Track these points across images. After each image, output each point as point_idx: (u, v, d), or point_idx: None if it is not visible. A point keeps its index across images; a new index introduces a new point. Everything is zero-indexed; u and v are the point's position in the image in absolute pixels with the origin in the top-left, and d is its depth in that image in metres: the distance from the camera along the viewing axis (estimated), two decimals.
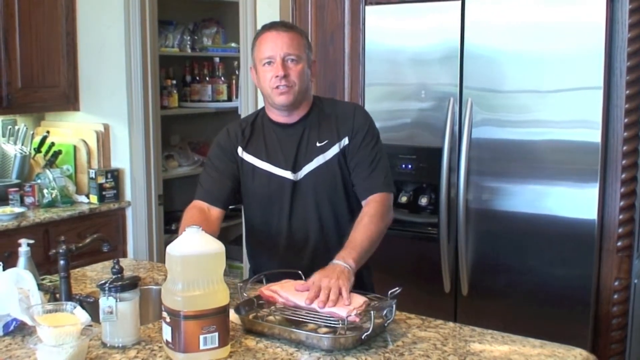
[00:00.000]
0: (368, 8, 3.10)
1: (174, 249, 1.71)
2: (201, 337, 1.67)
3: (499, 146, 2.81)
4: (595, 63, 2.59)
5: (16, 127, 4.03)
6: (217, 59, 5.12)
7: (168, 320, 1.69)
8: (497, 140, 2.81)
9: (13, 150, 3.97)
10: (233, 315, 1.84)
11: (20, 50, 3.85)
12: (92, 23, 4.10)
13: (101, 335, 1.81)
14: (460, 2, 2.83)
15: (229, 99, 5.04)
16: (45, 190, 3.85)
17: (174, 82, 4.86)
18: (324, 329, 1.81)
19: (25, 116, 4.19)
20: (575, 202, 2.67)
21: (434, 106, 2.93)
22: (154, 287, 2.37)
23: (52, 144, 4.08)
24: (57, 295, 2.04)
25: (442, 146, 2.87)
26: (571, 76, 2.65)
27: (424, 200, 2.97)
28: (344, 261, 1.99)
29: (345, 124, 2.26)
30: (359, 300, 1.87)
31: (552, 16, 2.68)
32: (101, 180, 4.00)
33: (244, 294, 2.01)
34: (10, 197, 3.74)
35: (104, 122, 4.14)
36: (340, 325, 1.80)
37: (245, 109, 3.71)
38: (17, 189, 3.79)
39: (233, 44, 5.10)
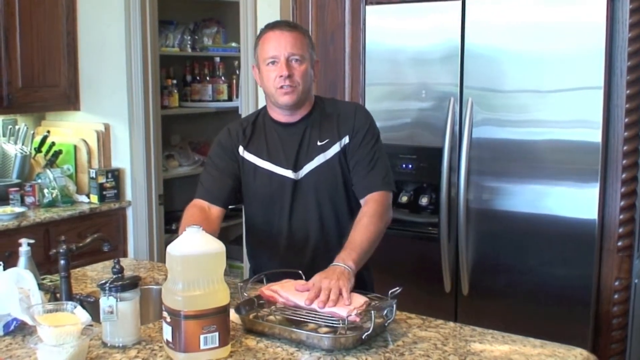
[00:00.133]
0: (368, 8, 3.10)
1: (175, 248, 1.71)
2: (201, 336, 1.67)
3: (500, 146, 2.81)
4: (595, 63, 2.59)
5: (17, 127, 4.04)
6: (217, 59, 5.12)
7: (168, 320, 1.69)
8: (497, 140, 2.81)
9: (13, 150, 3.97)
10: (233, 315, 1.84)
11: (21, 50, 3.85)
12: (92, 23, 4.10)
13: (102, 335, 1.81)
14: (460, 2, 2.83)
15: (230, 99, 5.04)
16: (45, 190, 3.86)
17: (175, 81, 4.86)
18: (325, 329, 1.81)
19: (26, 116, 4.19)
20: (575, 202, 2.67)
21: (435, 106, 2.93)
22: (155, 286, 2.37)
23: (53, 143, 4.08)
24: (58, 295, 2.05)
25: (443, 146, 2.87)
26: (572, 76, 2.65)
27: (424, 200, 2.98)
28: (344, 262, 1.99)
29: (346, 123, 2.26)
30: (359, 300, 1.87)
31: (552, 16, 2.68)
32: (102, 180, 4.00)
33: (245, 294, 2.01)
34: (11, 196, 3.74)
35: (104, 121, 4.14)
36: (341, 325, 1.80)
37: (246, 109, 3.71)
38: (17, 188, 3.79)
39: (233, 44, 5.10)
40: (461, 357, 1.73)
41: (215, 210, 2.25)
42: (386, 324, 1.87)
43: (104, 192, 4.01)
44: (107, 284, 1.78)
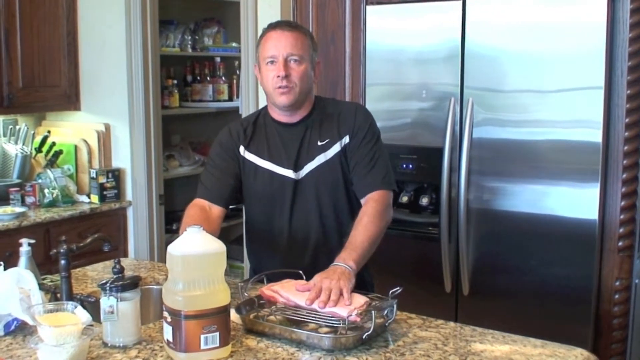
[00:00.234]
0: (369, 8, 3.10)
1: (175, 248, 1.71)
2: (202, 336, 1.67)
3: (500, 146, 2.81)
4: (596, 63, 2.58)
5: (17, 127, 4.04)
6: (218, 59, 5.13)
7: (169, 319, 1.69)
8: (498, 140, 2.81)
9: (14, 150, 3.97)
10: (234, 315, 1.84)
11: (22, 50, 3.85)
12: (93, 23, 4.10)
13: (102, 334, 1.81)
14: (461, 2, 2.83)
15: (230, 99, 5.05)
16: (46, 190, 3.86)
17: (175, 81, 4.87)
18: (325, 329, 1.81)
19: (26, 116, 4.19)
20: (576, 202, 2.67)
21: (435, 106, 2.93)
22: (155, 286, 2.37)
23: (53, 143, 4.08)
24: (58, 295, 2.05)
25: (443, 146, 2.87)
26: (572, 76, 2.65)
27: (424, 200, 2.97)
28: (345, 262, 1.99)
29: (347, 123, 2.26)
30: (359, 300, 1.87)
31: (553, 16, 2.68)
32: (102, 180, 4.00)
33: (245, 294, 2.01)
34: (11, 196, 3.74)
35: (105, 121, 4.15)
36: (341, 325, 1.80)
37: (246, 109, 3.71)
38: (18, 188, 3.79)
39: (234, 44, 5.10)
40: (462, 357, 1.73)
41: (216, 210, 2.25)
42: (387, 324, 1.86)
43: (105, 192, 4.01)
44: (108, 284, 1.78)
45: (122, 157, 4.13)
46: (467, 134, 2.82)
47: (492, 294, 2.88)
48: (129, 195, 4.13)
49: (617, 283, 2.67)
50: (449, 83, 2.89)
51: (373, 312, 1.79)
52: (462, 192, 2.84)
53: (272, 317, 1.89)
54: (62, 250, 2.02)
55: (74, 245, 2.06)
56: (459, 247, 2.89)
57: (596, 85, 2.59)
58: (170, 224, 4.41)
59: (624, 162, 2.62)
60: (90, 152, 4.12)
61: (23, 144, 3.97)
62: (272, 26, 2.25)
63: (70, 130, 4.21)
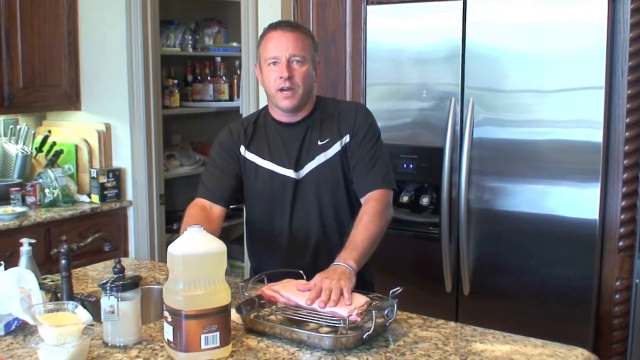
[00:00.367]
0: (370, 7, 3.10)
1: (176, 248, 1.71)
2: (202, 336, 1.67)
3: (501, 146, 2.81)
4: (596, 63, 2.58)
5: (18, 127, 4.04)
6: (218, 59, 5.13)
7: (169, 319, 1.69)
8: (498, 140, 2.81)
9: (15, 149, 3.97)
10: (234, 315, 1.84)
11: (22, 50, 3.85)
12: (93, 22, 4.10)
13: (102, 334, 1.81)
14: (461, 1, 2.83)
15: (231, 99, 5.05)
16: (46, 190, 3.86)
17: (176, 81, 4.87)
18: (326, 329, 1.81)
19: (27, 116, 4.20)
20: (576, 202, 2.67)
21: (436, 106, 2.93)
22: (156, 286, 2.37)
23: (54, 143, 4.08)
24: (59, 295, 2.05)
25: (444, 146, 2.87)
26: (573, 76, 2.65)
27: (425, 200, 2.97)
28: (345, 262, 1.99)
29: (347, 122, 2.26)
30: (360, 300, 1.87)
31: (553, 16, 2.68)
32: (103, 179, 4.00)
33: (245, 294, 2.01)
34: (12, 196, 3.74)
35: (105, 121, 4.15)
36: (342, 324, 1.80)
37: (247, 109, 3.71)
38: (18, 188, 3.79)
39: (234, 44, 5.10)
40: (462, 357, 1.73)
41: (217, 210, 2.25)
42: (387, 324, 1.86)
43: (105, 192, 4.01)
44: (108, 284, 1.78)
45: (123, 157, 4.13)
46: (468, 133, 2.82)
47: (492, 294, 2.88)
48: (129, 195, 4.13)
49: (618, 283, 2.67)
50: (449, 83, 2.89)
51: (373, 311, 1.79)
52: (462, 192, 2.84)
53: (272, 317, 1.89)
54: (62, 250, 2.02)
55: (74, 245, 2.06)
56: (460, 247, 2.89)
57: (597, 85, 2.59)
58: (171, 223, 4.41)
59: (625, 162, 2.62)
60: (90, 152, 4.12)
61: (24, 144, 3.97)
62: (273, 26, 2.25)
63: (70, 130, 4.21)
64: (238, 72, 4.98)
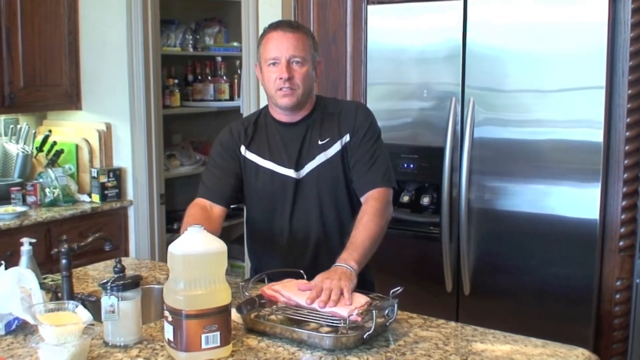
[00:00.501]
0: (370, 7, 3.10)
1: (176, 248, 1.71)
2: (203, 336, 1.67)
3: (501, 146, 2.81)
4: (597, 63, 2.58)
5: (18, 126, 4.04)
6: (219, 58, 5.13)
7: (170, 319, 1.69)
8: (499, 139, 2.81)
9: (15, 149, 3.97)
10: (235, 315, 1.84)
11: (23, 49, 3.85)
12: (94, 22, 4.10)
13: (103, 334, 1.81)
14: (462, 1, 2.83)
15: (231, 98, 5.05)
16: (47, 189, 3.86)
17: (176, 81, 4.87)
18: (326, 328, 1.81)
19: (28, 115, 4.19)
20: (577, 201, 2.67)
21: (436, 105, 2.93)
22: (156, 286, 2.37)
23: (54, 143, 4.08)
24: (59, 294, 2.05)
25: (444, 145, 2.87)
26: (573, 76, 2.65)
27: (425, 200, 2.97)
28: (346, 263, 1.99)
29: (347, 122, 2.26)
30: (360, 300, 1.87)
31: (554, 16, 2.68)
32: (103, 179, 4.00)
33: (246, 293, 2.01)
34: (13, 196, 3.74)
35: (106, 121, 4.15)
36: (342, 324, 1.80)
37: (247, 108, 3.71)
38: (19, 188, 3.79)
39: (235, 43, 5.10)
40: (463, 357, 1.73)
41: (217, 210, 2.25)
42: (387, 324, 1.86)
43: (106, 192, 4.01)
44: (109, 283, 1.78)
45: (123, 157, 4.13)
46: (468, 133, 2.82)
47: (493, 294, 2.87)
48: (130, 194, 4.13)
49: (618, 283, 2.67)
50: (450, 83, 2.89)
51: (374, 311, 1.79)
52: (463, 192, 2.84)
53: (273, 317, 1.89)
54: (63, 250, 2.02)
55: (75, 244, 2.06)
56: (460, 247, 2.89)
57: (597, 85, 2.59)
58: (171, 223, 4.41)
59: (625, 161, 2.62)
60: (91, 152, 4.12)
61: (24, 144, 3.97)
62: (274, 26, 2.24)
63: (71, 129, 4.21)
64: (239, 71, 4.98)
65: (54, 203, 3.85)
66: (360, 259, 2.03)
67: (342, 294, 1.87)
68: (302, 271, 2.08)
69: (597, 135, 2.61)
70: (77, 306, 1.76)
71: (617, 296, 2.68)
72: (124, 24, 3.98)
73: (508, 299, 2.84)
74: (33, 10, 3.89)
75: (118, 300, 1.77)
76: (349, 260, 2.00)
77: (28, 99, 3.92)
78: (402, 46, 3.02)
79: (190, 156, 5.01)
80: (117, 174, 4.07)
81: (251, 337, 1.84)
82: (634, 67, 2.57)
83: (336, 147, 2.25)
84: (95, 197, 4.00)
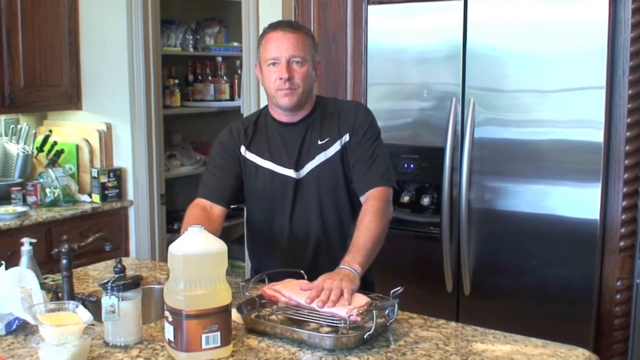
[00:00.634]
0: (370, 7, 3.10)
1: (176, 248, 1.71)
2: (203, 336, 1.67)
3: (502, 146, 2.81)
4: (597, 63, 2.58)
5: (19, 126, 4.04)
6: (219, 59, 5.13)
7: (170, 319, 1.69)
8: (499, 139, 2.81)
9: (15, 149, 3.97)
10: (235, 315, 1.84)
11: (23, 49, 3.85)
12: (94, 22, 4.10)
13: (103, 334, 1.81)
14: (462, 1, 2.83)
15: (232, 99, 5.05)
16: (47, 190, 3.86)
17: (177, 81, 4.87)
18: (326, 329, 1.81)
19: (28, 115, 4.20)
20: (577, 201, 2.67)
21: (436, 105, 2.93)
22: (156, 286, 2.37)
23: (55, 143, 4.08)
24: (60, 295, 2.05)
25: (445, 146, 2.87)
26: (574, 76, 2.65)
27: (426, 200, 2.97)
28: (350, 266, 1.99)
29: (347, 121, 2.26)
30: (360, 300, 1.87)
31: (554, 16, 2.68)
32: (103, 179, 4.00)
33: (246, 293, 2.01)
34: (13, 196, 3.74)
35: (106, 121, 4.15)
36: (343, 324, 1.80)
37: (248, 109, 3.71)
38: (19, 188, 3.79)
39: (235, 44, 5.10)
40: (463, 357, 1.73)
41: (217, 210, 2.26)
42: (388, 324, 1.86)
43: (106, 192, 4.01)
44: (109, 284, 1.78)
45: (124, 157, 4.13)
46: (469, 133, 2.82)
47: (493, 294, 2.88)
48: (130, 194, 4.13)
49: (619, 283, 2.67)
50: (450, 83, 2.89)
51: (374, 311, 1.79)
52: (463, 192, 2.84)
53: (273, 317, 1.89)
54: (63, 250, 2.02)
55: (75, 244, 2.06)
56: (460, 247, 2.89)
57: (597, 85, 2.59)
58: (172, 223, 4.41)
59: (626, 162, 2.62)
60: (91, 152, 4.12)
61: (24, 144, 3.97)
62: (273, 26, 2.25)
63: (71, 129, 4.21)
64: (239, 71, 4.98)
65: (54, 203, 3.85)
66: (363, 262, 2.02)
67: (342, 294, 1.87)
68: (302, 271, 2.08)
69: (597, 136, 2.61)
70: (77, 306, 1.77)
71: (618, 296, 2.68)
72: (124, 24, 3.98)
73: (508, 299, 2.84)
74: (33, 11, 3.89)
75: (118, 300, 1.77)
76: (352, 263, 2.00)
77: (28, 99, 3.92)
78: (403, 46, 3.02)
79: (191, 156, 5.01)
80: (118, 174, 4.07)
81: (251, 337, 1.84)
82: (634, 67, 2.57)
83: (336, 147, 2.25)
84: (96, 197, 4.00)
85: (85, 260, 2.77)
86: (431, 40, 2.94)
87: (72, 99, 4.16)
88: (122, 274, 1.82)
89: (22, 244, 2.12)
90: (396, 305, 1.87)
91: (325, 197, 2.27)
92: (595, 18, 2.58)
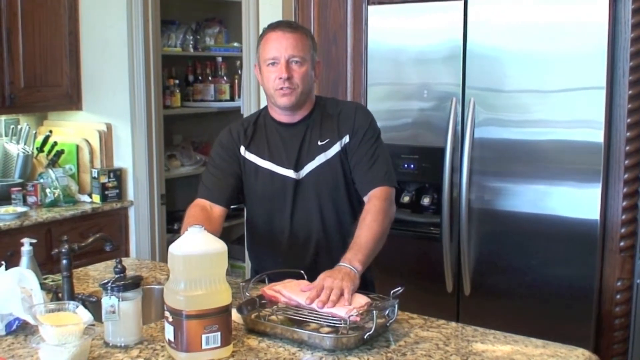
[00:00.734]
0: (371, 8, 3.10)
1: (177, 248, 1.71)
2: (203, 336, 1.67)
3: (502, 146, 2.81)
4: (598, 63, 2.58)
5: (19, 127, 4.04)
6: (219, 59, 5.13)
7: (170, 319, 1.69)
8: (499, 140, 2.81)
9: (16, 149, 3.97)
10: (235, 315, 1.84)
11: (23, 50, 3.85)
12: (95, 22, 4.10)
13: (103, 334, 1.81)
14: (462, 1, 2.83)
15: (232, 99, 5.05)
16: (47, 190, 3.86)
17: (177, 81, 4.87)
18: (327, 329, 1.81)
19: (28, 115, 4.20)
20: (577, 202, 2.67)
21: (437, 106, 2.93)
22: (157, 286, 2.37)
23: (55, 143, 4.08)
24: (60, 295, 2.05)
25: (445, 146, 2.87)
26: (574, 76, 2.65)
27: (426, 200, 2.97)
28: (351, 264, 1.99)
29: (347, 122, 2.26)
30: (360, 300, 1.87)
31: (554, 16, 2.67)
32: (104, 179, 4.00)
33: (246, 294, 2.01)
34: (13, 196, 3.74)
35: (106, 121, 4.15)
36: (343, 325, 1.80)
37: (248, 109, 3.71)
38: (19, 188, 3.79)
39: (235, 44, 5.10)
40: (463, 357, 1.73)
41: (217, 210, 2.26)
42: (388, 324, 1.86)
43: (106, 192, 4.01)
44: (109, 284, 1.78)
45: (124, 157, 4.13)
46: (469, 134, 2.82)
47: (493, 294, 2.87)
48: (130, 195, 4.13)
49: (619, 283, 2.67)
50: (450, 83, 2.88)
51: (374, 312, 1.78)
52: (463, 192, 2.84)
53: (273, 317, 1.89)
54: (63, 250, 2.02)
55: (75, 244, 2.06)
56: (461, 247, 2.89)
57: (598, 85, 2.59)
58: (172, 223, 4.41)
59: (626, 162, 2.62)
60: (91, 152, 4.12)
61: (25, 144, 3.97)
62: (273, 27, 2.25)
63: (71, 130, 4.21)
64: (239, 72, 4.98)
65: (54, 203, 3.85)
66: (364, 260, 2.03)
67: (342, 294, 1.87)
68: (302, 272, 2.08)
69: (597, 136, 2.61)
70: (77, 306, 1.76)
71: (618, 296, 2.68)
72: (124, 24, 3.98)
73: (508, 299, 2.84)
74: (34, 11, 3.89)
75: (119, 300, 1.77)
76: (353, 261, 2.00)
77: (29, 99, 3.92)
78: (403, 46, 3.02)
79: (191, 156, 5.01)
80: (118, 175, 4.07)
81: (252, 338, 1.84)
82: (634, 67, 2.57)
83: (336, 148, 2.25)
84: (96, 198, 4.00)
85: (86, 261, 2.77)
86: (431, 40, 2.94)
87: (72, 99, 4.16)
88: (122, 274, 1.82)
89: (22, 245, 2.12)
90: (396, 306, 1.87)
91: (325, 197, 2.27)
92: (595, 18, 2.58)
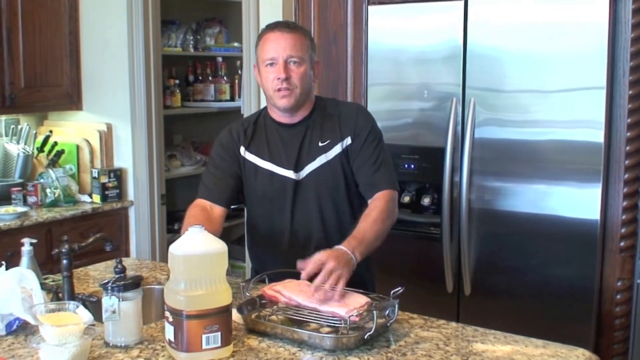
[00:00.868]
0: (371, 8, 3.10)
1: (177, 248, 1.71)
2: (204, 336, 1.67)
3: (502, 146, 2.81)
4: (598, 63, 2.58)
5: (19, 127, 4.04)
6: (219, 59, 5.13)
7: (170, 319, 1.69)
8: (499, 140, 2.81)
9: (16, 149, 3.97)
10: (235, 315, 1.84)
11: (24, 50, 3.85)
12: (95, 22, 4.10)
13: (104, 334, 1.81)
14: (462, 1, 2.83)
15: (232, 99, 5.05)
16: (48, 190, 3.86)
17: (177, 81, 4.87)
18: (327, 329, 1.81)
19: (28, 115, 4.20)
20: (578, 202, 2.67)
21: (437, 106, 2.93)
22: (157, 286, 2.37)
23: (55, 143, 4.08)
24: (60, 295, 2.05)
25: (445, 146, 2.87)
26: (574, 76, 2.65)
27: (426, 200, 2.97)
28: (353, 252, 1.99)
29: (348, 124, 2.26)
30: (360, 300, 1.87)
31: (555, 16, 2.67)
32: (104, 179, 4.00)
33: (247, 294, 2.01)
34: (13, 196, 3.74)
35: (106, 121, 4.15)
36: (343, 325, 1.80)
37: (248, 109, 3.71)
38: (20, 188, 3.79)
39: (236, 44, 5.10)
40: (463, 357, 1.73)
41: (218, 210, 2.26)
42: (388, 324, 1.86)
43: (106, 192, 4.01)
44: (110, 284, 1.78)
45: (124, 157, 4.13)
46: (469, 134, 2.82)
47: (493, 294, 2.87)
48: (130, 195, 4.13)
49: (619, 283, 2.67)
50: (450, 83, 2.89)
51: (374, 312, 1.79)
52: (463, 192, 2.84)
53: (273, 317, 1.90)
54: (63, 250, 2.02)
55: (75, 244, 2.06)
56: (461, 247, 2.89)
57: (598, 85, 2.59)
58: (172, 223, 4.41)
59: (626, 162, 2.62)
60: (92, 152, 4.12)
61: (25, 144, 3.97)
62: (271, 27, 2.25)
63: (72, 130, 4.21)
64: (239, 72, 4.98)
65: (54, 203, 3.85)
66: (364, 253, 2.04)
67: (336, 283, 1.88)
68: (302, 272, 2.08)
69: (597, 136, 2.61)
70: (77, 306, 1.77)
71: (618, 296, 2.68)
72: (124, 24, 3.98)
73: (509, 299, 2.84)
74: (34, 11, 3.89)
75: (119, 300, 1.77)
76: (355, 251, 2.00)
77: (29, 99, 3.92)
78: (403, 46, 3.02)
79: (191, 156, 5.01)
80: (118, 175, 4.07)
81: (252, 338, 1.84)
82: (634, 67, 2.57)
83: (337, 150, 2.25)
84: (96, 198, 4.00)
85: (86, 261, 2.77)
86: (431, 41, 2.94)
87: (72, 99, 4.16)
88: (122, 274, 1.82)
89: (22, 244, 2.12)
90: (396, 306, 1.87)
91: (325, 198, 2.27)
92: (595, 18, 2.58)
